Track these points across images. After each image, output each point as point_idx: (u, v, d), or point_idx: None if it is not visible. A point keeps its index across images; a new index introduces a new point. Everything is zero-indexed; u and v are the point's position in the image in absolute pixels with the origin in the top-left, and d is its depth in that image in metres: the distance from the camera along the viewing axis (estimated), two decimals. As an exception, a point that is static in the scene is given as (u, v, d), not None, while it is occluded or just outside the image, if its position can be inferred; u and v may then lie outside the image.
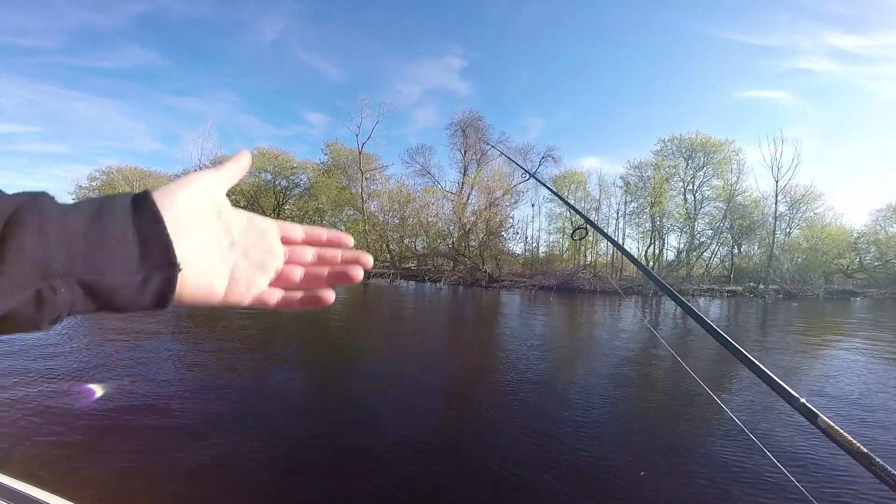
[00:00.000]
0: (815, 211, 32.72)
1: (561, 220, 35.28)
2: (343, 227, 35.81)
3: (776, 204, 29.44)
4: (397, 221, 31.57)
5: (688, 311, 1.18)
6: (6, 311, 0.27)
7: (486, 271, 27.25)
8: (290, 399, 5.00)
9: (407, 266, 30.91)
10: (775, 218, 29.56)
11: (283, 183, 36.15)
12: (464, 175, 32.86)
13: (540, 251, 36.87)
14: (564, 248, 35.18)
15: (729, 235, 32.27)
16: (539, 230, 38.61)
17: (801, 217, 32.73)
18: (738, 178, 31.43)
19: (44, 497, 1.20)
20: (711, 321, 1.09)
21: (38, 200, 0.29)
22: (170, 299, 0.33)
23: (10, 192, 0.28)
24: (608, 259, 34.29)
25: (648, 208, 32.03)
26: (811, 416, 0.71)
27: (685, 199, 32.94)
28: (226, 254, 0.38)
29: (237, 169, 0.41)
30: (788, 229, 32.76)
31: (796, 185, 30.96)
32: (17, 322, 0.28)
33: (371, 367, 6.78)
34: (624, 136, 61.95)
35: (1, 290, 0.27)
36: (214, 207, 0.38)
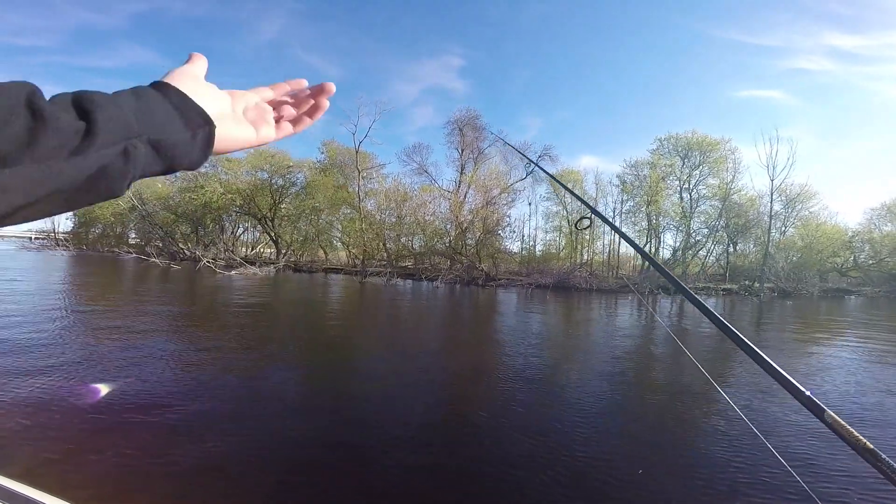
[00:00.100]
0: (810, 210, 32.85)
1: (558, 218, 35.34)
2: (340, 227, 35.82)
3: (771, 203, 29.56)
4: (394, 220, 31.49)
5: (692, 299, 1.18)
6: (102, 165, 0.33)
7: (482, 270, 27.25)
8: (287, 398, 4.98)
9: (404, 265, 30.86)
10: (770, 217, 29.68)
11: (280, 181, 36.03)
12: (461, 174, 32.84)
13: (537, 250, 36.93)
14: (561, 247, 35.24)
15: (724, 234, 32.39)
16: (536, 229, 38.74)
17: (796, 216, 32.86)
18: (733, 176, 31.54)
19: (38, 497, 1.19)
20: (713, 315, 1.10)
21: (86, 92, 0.34)
22: (211, 150, 0.42)
23: None
24: (604, 258, 34.39)
25: (645, 207, 32.11)
26: (818, 411, 0.71)
27: (681, 198, 33.04)
28: (237, 111, 0.48)
29: (200, 60, 0.48)
30: (784, 228, 32.89)
31: (791, 184, 31.10)
32: (110, 177, 0.34)
33: (368, 365, 6.77)
34: (621, 135, 62.22)
35: (98, 147, 0.32)
36: (206, 85, 0.46)
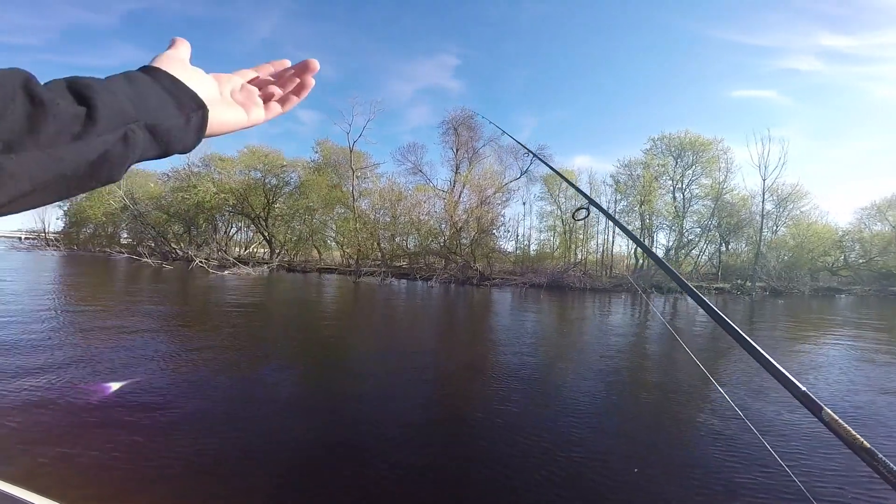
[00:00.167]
0: (802, 209, 33.19)
1: (552, 218, 35.46)
2: (334, 226, 35.70)
3: (763, 202, 29.81)
4: (388, 220, 31.44)
5: (690, 292, 1.18)
6: (103, 151, 0.33)
7: (477, 269, 27.26)
8: (281, 399, 4.95)
9: (398, 264, 30.82)
10: (762, 216, 29.93)
11: (273, 181, 35.83)
12: (456, 173, 32.83)
13: (531, 249, 37.03)
14: (555, 246, 35.35)
15: (717, 233, 32.64)
16: (530, 228, 38.63)
17: (787, 215, 33.18)
18: (725, 176, 31.79)
19: (28, 497, 1.17)
20: (710, 308, 1.09)
21: (80, 77, 0.34)
22: (204, 133, 0.42)
23: None
24: (598, 257, 34.54)
25: (638, 206, 32.27)
26: (815, 409, 0.71)
27: (674, 198, 33.26)
28: (225, 95, 0.48)
29: (183, 44, 0.48)
30: (775, 227, 33.19)
31: (783, 184, 31.39)
32: (111, 162, 0.34)
33: (363, 365, 6.75)
34: (616, 134, 62.54)
35: (99, 132, 0.32)
36: (193, 69, 0.46)
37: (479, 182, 30.12)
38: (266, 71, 0.55)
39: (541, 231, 37.48)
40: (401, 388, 5.48)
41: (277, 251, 35.17)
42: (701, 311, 1.20)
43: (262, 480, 3.14)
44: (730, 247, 33.68)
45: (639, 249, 32.58)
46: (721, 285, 28.31)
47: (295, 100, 0.54)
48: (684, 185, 32.92)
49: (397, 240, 32.05)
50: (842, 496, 3.11)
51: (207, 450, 3.54)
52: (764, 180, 29.04)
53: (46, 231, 50.03)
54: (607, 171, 48.72)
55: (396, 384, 5.62)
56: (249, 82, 0.53)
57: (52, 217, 51.54)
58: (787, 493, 3.07)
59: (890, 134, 50.22)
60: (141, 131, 0.36)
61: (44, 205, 0.33)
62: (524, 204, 36.49)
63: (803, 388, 0.73)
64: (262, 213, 35.36)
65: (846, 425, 0.65)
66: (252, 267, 26.60)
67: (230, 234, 41.01)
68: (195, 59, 0.46)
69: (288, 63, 0.55)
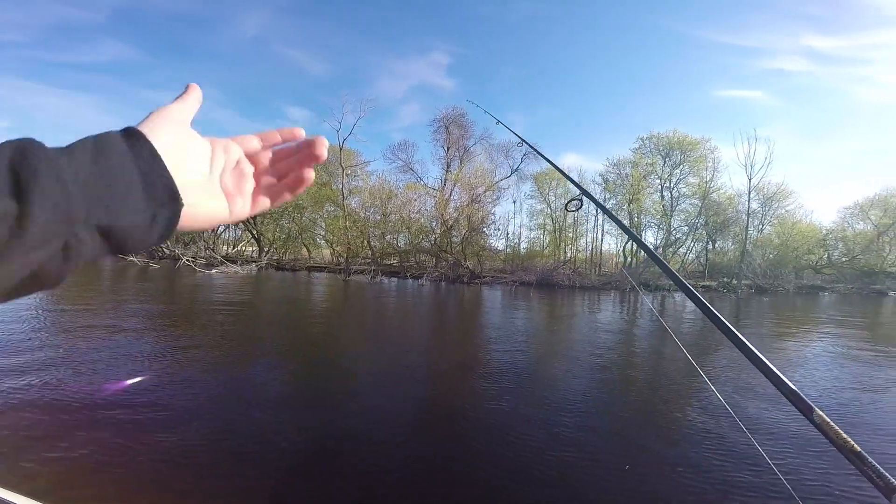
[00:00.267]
0: (787, 208, 33.80)
1: (542, 216, 35.63)
2: (324, 224, 35.45)
3: (749, 201, 30.21)
4: (379, 218, 31.34)
5: (685, 289, 1.18)
6: (35, 268, 0.26)
7: (468, 267, 27.29)
8: (270, 399, 4.89)
9: (389, 262, 30.74)
10: (748, 215, 30.35)
11: (262, 178, 35.42)
12: (447, 171, 32.82)
13: (521, 247, 37.19)
14: (545, 244, 35.52)
15: (704, 232, 33.06)
16: (520, 226, 38.83)
17: (772, 214, 33.76)
18: (712, 175, 32.22)
19: (14, 499, 1.13)
20: (699, 307, 1.09)
21: (35, 145, 0.27)
22: (171, 233, 0.34)
23: None
24: (587, 255, 34.81)
25: (626, 205, 32.54)
26: (806, 409, 0.70)
27: (662, 196, 33.61)
28: (213, 177, 0.40)
29: (195, 96, 0.42)
30: (761, 226, 33.73)
31: (769, 183, 31.89)
32: (44, 279, 0.27)
33: (353, 364, 6.71)
34: (605, 133, 62.89)
35: (31, 245, 0.24)
36: (189, 136, 0.39)
37: (469, 180, 30.15)
38: (271, 140, 0.48)
39: (531, 229, 37.71)
40: (391, 387, 5.46)
41: (266, 249, 34.87)
42: (690, 306, 1.21)
43: (251, 479, 3.10)
44: (716, 245, 34.16)
45: (628, 247, 32.92)
46: (708, 283, 28.69)
47: (287, 196, 0.47)
48: (672, 184, 33.31)
49: (388, 238, 31.95)
50: (830, 495, 3.15)
51: (197, 450, 3.48)
52: (750, 179, 29.45)
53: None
54: (596, 170, 49.13)
55: (387, 383, 5.60)
56: (248, 156, 0.46)
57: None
58: (775, 490, 3.11)
59: (876, 135, 51.19)
60: (88, 235, 0.28)
61: None
62: (514, 202, 36.69)
63: (796, 390, 0.73)
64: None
65: (837, 428, 0.64)
66: (240, 265, 26.34)
67: (218, 232, 40.48)
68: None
69: (301, 134, 0.48)
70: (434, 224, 30.24)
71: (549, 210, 34.41)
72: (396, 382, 5.64)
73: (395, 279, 25.99)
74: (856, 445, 0.61)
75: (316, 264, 32.50)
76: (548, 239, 35.45)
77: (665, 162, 33.16)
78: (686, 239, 33.67)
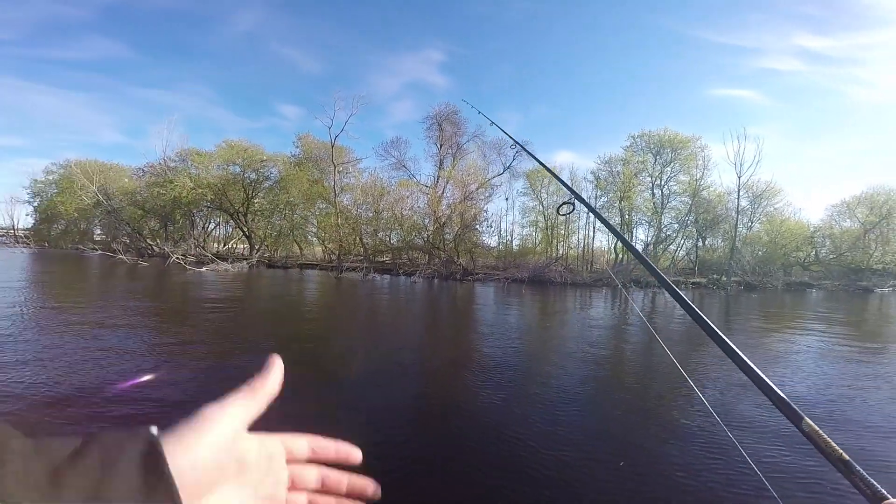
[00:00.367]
0: (775, 206, 34.29)
1: (534, 213, 35.75)
2: (315, 222, 35.26)
3: (738, 199, 30.55)
4: (371, 215, 31.24)
5: (669, 289, 1.19)
6: None
7: (460, 264, 27.31)
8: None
9: (381, 260, 30.68)
10: (737, 212, 30.71)
11: (253, 176, 35.17)
12: (439, 168, 32.77)
13: (513, 244, 37.32)
14: (537, 241, 35.65)
15: (694, 229, 33.42)
16: (513, 224, 38.98)
17: (761, 212, 34.23)
18: (703, 173, 32.58)
19: None
20: (685, 309, 1.10)
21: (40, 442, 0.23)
22: None
23: None
24: (579, 252, 35.01)
25: (618, 202, 32.78)
26: (796, 418, 0.71)
27: (653, 194, 33.89)
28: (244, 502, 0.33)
29: (272, 385, 0.32)
30: (750, 223, 34.18)
31: (758, 181, 32.27)
32: None
33: (345, 361, 6.68)
34: (598, 131, 63.35)
35: None
36: (236, 455, 0.31)
37: (462, 177, 30.16)
38: (322, 452, 0.41)
39: (523, 226, 37.90)
40: (384, 384, 5.45)
41: (257, 247, 34.61)
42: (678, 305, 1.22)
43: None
44: (706, 242, 34.56)
45: (619, 244, 33.12)
46: (698, 280, 29.00)
47: None
48: (663, 182, 33.60)
49: (380, 235, 31.89)
50: (814, 498, 3.19)
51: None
52: (739, 177, 29.77)
53: (16, 228, 48.32)
54: (588, 168, 49.33)
55: (379, 381, 5.58)
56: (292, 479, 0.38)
57: (21, 213, 49.78)
58: (758, 488, 3.15)
59: (868, 135, 51.97)
60: None
61: None
62: (507, 199, 36.88)
63: (782, 395, 0.74)
64: (241, 209, 34.69)
65: (826, 436, 0.65)
66: (231, 263, 26.14)
67: (208, 229, 40.19)
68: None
69: (356, 457, 0.41)
70: (427, 221, 30.23)
71: (541, 207, 34.58)
72: (389, 380, 5.63)
73: (387, 276, 25.94)
74: (844, 454, 0.62)
75: (308, 262, 32.36)
76: (540, 236, 35.60)
77: (656, 160, 33.44)
78: (676, 236, 34.03)
